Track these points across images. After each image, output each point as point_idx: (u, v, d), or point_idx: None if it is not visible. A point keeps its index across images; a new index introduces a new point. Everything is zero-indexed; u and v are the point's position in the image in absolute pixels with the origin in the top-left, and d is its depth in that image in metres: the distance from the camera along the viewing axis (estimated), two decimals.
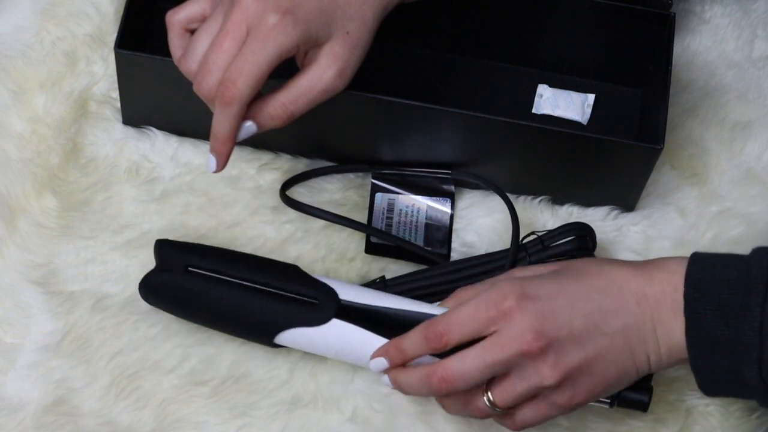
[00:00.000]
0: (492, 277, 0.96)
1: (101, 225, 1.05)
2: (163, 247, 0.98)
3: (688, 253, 0.90)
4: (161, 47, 0.97)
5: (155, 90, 1.05)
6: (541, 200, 1.08)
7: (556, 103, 1.11)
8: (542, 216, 1.08)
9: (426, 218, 1.07)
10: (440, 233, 1.06)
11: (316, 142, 1.08)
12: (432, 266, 1.02)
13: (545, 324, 0.87)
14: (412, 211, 1.07)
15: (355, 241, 1.06)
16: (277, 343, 0.97)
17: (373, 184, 1.08)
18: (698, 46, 1.16)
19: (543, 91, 1.12)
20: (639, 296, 0.88)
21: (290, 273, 0.97)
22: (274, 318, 0.95)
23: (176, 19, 0.95)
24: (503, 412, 0.91)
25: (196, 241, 1.04)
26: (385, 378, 0.93)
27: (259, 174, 1.08)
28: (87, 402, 0.98)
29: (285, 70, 0.91)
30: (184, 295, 0.96)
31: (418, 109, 1.00)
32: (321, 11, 0.90)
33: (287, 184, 1.06)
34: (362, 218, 1.06)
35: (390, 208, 1.07)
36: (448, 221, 1.07)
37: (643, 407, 0.96)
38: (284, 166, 1.08)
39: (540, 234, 1.02)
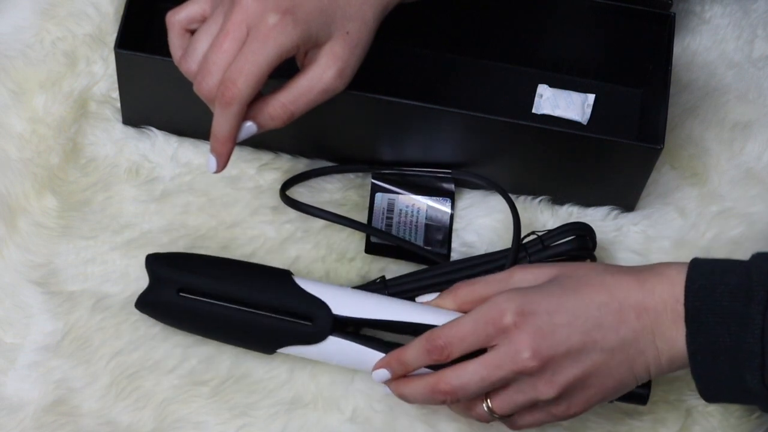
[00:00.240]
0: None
1: (101, 225, 1.05)
2: (153, 265, 0.98)
3: (688, 254, 0.90)
4: (161, 47, 0.97)
5: (155, 90, 1.05)
6: (541, 200, 1.08)
7: (556, 103, 1.11)
8: (542, 216, 1.08)
9: (426, 218, 1.07)
10: (440, 233, 1.06)
11: (316, 142, 1.08)
12: (432, 266, 1.02)
13: (543, 342, 0.87)
14: (412, 211, 1.07)
15: (355, 241, 1.06)
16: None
17: (373, 184, 1.08)
18: (698, 46, 1.16)
19: (543, 91, 1.12)
20: (639, 310, 0.88)
21: (283, 288, 0.96)
22: (269, 338, 0.96)
23: (176, 19, 0.95)
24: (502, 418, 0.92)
25: (195, 242, 1.04)
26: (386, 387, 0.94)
27: (259, 174, 1.08)
28: (87, 402, 0.98)
29: (285, 70, 0.91)
30: (178, 315, 0.97)
31: (418, 109, 1.00)
32: (321, 11, 0.90)
33: (287, 184, 1.06)
34: (362, 218, 1.06)
35: (390, 208, 1.07)
36: (448, 221, 1.07)
37: (642, 400, 0.96)
38: (284, 166, 1.08)
39: (540, 234, 1.02)
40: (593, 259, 1.02)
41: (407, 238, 1.06)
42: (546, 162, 1.04)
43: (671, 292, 0.88)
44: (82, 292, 1.02)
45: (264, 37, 0.88)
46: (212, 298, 0.96)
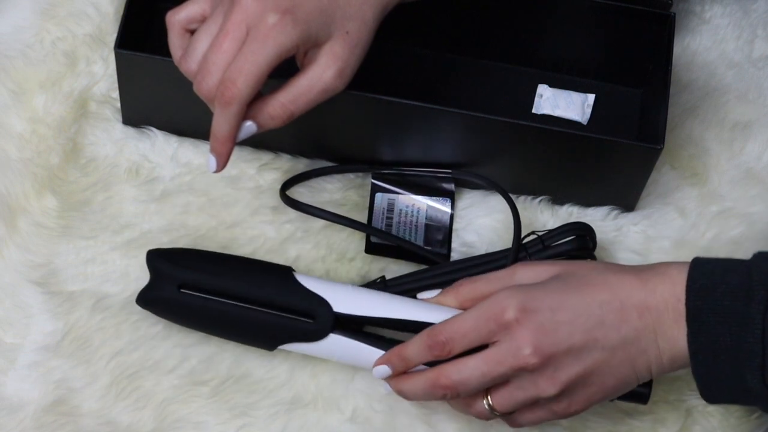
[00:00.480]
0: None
1: (101, 225, 1.05)
2: (155, 261, 0.97)
3: (688, 253, 0.90)
4: (161, 47, 0.97)
5: (155, 90, 1.05)
6: (541, 200, 1.08)
7: (556, 103, 1.11)
8: (542, 216, 1.08)
9: (426, 218, 1.07)
10: (440, 233, 1.06)
11: (316, 142, 1.08)
12: (432, 266, 1.02)
13: (544, 340, 0.87)
14: (412, 211, 1.07)
15: (355, 241, 1.06)
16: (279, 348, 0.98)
17: (373, 184, 1.08)
18: (698, 46, 1.16)
19: (543, 91, 1.12)
20: (641, 309, 0.88)
21: (284, 285, 0.96)
22: (270, 335, 0.96)
23: (176, 19, 0.95)
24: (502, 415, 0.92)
25: (196, 242, 1.04)
26: (384, 381, 0.93)
27: (259, 174, 1.08)
28: (87, 402, 0.98)
29: (285, 70, 0.91)
30: (179, 312, 0.97)
31: (418, 109, 1.00)
32: (321, 11, 0.90)
33: (287, 184, 1.06)
34: (362, 218, 1.06)
35: (390, 208, 1.07)
36: (448, 221, 1.07)
37: (643, 399, 0.96)
38: (284, 166, 1.08)
39: (540, 234, 1.02)
40: (593, 259, 1.02)
41: (407, 238, 1.06)
42: (546, 162, 1.04)
43: (673, 292, 0.88)
44: (82, 292, 1.02)
45: (264, 37, 0.88)
46: (213, 295, 0.96)
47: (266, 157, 1.08)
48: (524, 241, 1.02)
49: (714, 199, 1.09)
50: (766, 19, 1.18)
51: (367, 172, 1.08)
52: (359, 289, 0.98)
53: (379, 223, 1.06)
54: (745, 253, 0.90)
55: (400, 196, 1.07)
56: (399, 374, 0.93)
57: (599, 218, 1.08)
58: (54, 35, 1.12)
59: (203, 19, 0.94)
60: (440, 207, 1.07)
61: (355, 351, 0.95)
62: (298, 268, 1.04)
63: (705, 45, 1.16)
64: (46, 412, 0.98)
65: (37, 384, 0.99)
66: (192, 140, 1.08)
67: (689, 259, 0.89)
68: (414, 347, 0.91)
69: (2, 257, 1.03)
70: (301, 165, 1.08)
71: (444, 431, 0.99)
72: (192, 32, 0.94)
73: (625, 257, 1.06)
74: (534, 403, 0.90)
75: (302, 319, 0.95)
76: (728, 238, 1.07)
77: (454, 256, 1.06)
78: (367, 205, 1.07)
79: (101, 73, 1.11)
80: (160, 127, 1.08)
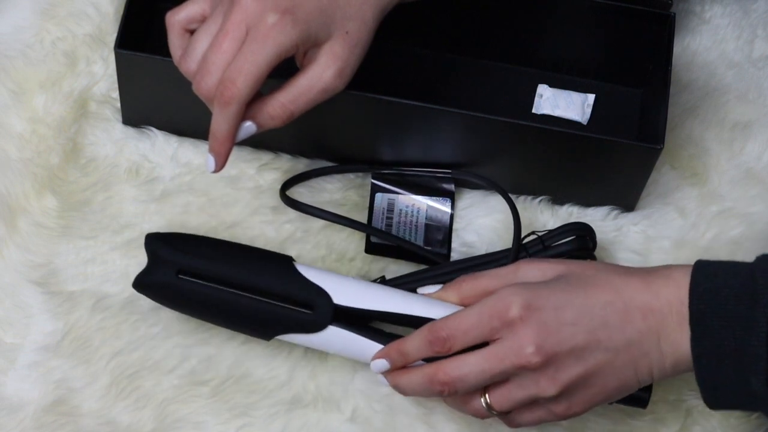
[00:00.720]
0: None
1: (101, 225, 1.05)
2: (153, 245, 0.96)
3: (688, 254, 0.89)
4: (161, 47, 0.97)
5: (155, 90, 1.05)
6: (541, 200, 1.08)
7: (556, 103, 1.11)
8: (542, 216, 1.08)
9: (426, 218, 1.07)
10: (440, 233, 1.06)
11: (316, 142, 1.08)
12: (432, 266, 1.02)
13: (547, 338, 0.87)
14: (412, 211, 1.07)
15: (355, 241, 1.06)
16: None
17: (373, 184, 1.08)
18: (698, 46, 1.16)
19: (543, 91, 1.12)
20: (645, 311, 0.88)
21: (284, 274, 0.96)
22: (268, 325, 0.95)
23: (176, 19, 0.95)
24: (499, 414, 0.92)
25: None
26: (382, 376, 0.93)
27: (259, 174, 1.08)
28: (87, 402, 0.98)
29: (285, 70, 0.91)
30: (177, 297, 0.96)
31: (418, 109, 1.00)
32: (320, 11, 0.90)
33: (287, 184, 1.06)
34: (362, 218, 1.06)
35: (390, 208, 1.07)
36: (448, 221, 1.07)
37: (642, 403, 0.95)
38: (284, 166, 1.08)
39: (540, 234, 1.02)
40: (593, 259, 1.02)
41: (407, 238, 1.06)
42: (546, 162, 1.04)
43: (676, 295, 0.87)
44: (82, 292, 1.02)
45: (263, 37, 0.88)
46: (211, 281, 0.95)
47: (266, 157, 1.08)
48: (524, 241, 1.02)
49: (714, 199, 1.09)
50: (766, 19, 1.18)
51: (367, 172, 1.08)
52: (360, 282, 0.97)
53: (379, 223, 1.06)
54: (745, 253, 0.90)
55: (400, 196, 1.07)
56: (397, 369, 0.92)
57: (599, 218, 1.08)
58: (54, 35, 1.12)
59: (203, 19, 0.94)
60: (440, 207, 1.07)
61: (354, 344, 0.94)
62: None
63: (705, 45, 1.16)
64: (46, 412, 0.98)
65: (37, 384, 0.99)
66: (192, 140, 1.08)
67: (689, 259, 0.89)
68: (414, 342, 0.91)
69: (2, 257, 1.03)
70: (301, 165, 1.08)
71: (443, 431, 0.99)
72: (192, 32, 0.94)
73: (625, 257, 1.06)
74: (533, 402, 0.90)
75: (301, 309, 0.95)
76: (728, 238, 1.07)
77: (454, 256, 1.06)
78: (367, 205, 1.07)
79: (101, 73, 1.11)
80: (160, 127, 1.08)
